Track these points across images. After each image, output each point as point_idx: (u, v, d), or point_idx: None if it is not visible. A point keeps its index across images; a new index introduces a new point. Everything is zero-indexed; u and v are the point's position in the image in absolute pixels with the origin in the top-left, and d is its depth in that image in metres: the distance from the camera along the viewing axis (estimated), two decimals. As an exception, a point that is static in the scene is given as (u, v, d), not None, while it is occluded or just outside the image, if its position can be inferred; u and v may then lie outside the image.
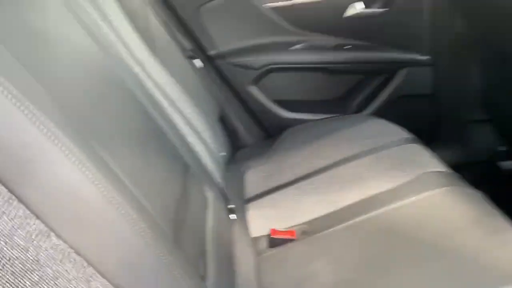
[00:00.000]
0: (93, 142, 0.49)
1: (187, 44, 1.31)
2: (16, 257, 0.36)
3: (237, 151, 1.43)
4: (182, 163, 0.79)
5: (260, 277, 0.84)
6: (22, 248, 0.37)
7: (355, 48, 1.47)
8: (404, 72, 1.46)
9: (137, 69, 0.94)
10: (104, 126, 0.58)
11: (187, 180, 0.77)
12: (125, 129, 0.64)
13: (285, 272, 0.84)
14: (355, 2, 1.38)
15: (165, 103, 0.98)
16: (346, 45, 1.46)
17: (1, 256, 0.35)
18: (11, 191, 0.38)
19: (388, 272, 0.74)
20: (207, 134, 1.15)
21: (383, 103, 1.49)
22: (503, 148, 1.46)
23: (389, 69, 1.49)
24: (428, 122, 1.52)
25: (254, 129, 1.54)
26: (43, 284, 0.38)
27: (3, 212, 0.37)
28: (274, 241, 0.93)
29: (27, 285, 0.37)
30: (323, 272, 0.80)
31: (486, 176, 1.52)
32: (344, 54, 1.48)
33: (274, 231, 0.94)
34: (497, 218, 0.81)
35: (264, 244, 0.94)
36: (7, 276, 0.35)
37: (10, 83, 0.39)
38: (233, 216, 0.99)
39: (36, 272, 0.38)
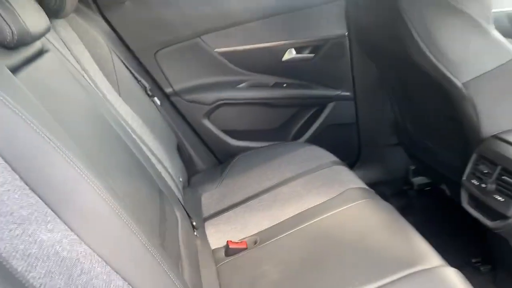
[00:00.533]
0: (100, 171, 0.67)
1: (147, 84, 1.48)
2: (62, 259, 0.52)
3: (192, 176, 1.60)
4: (157, 188, 0.97)
5: (220, 280, 1.03)
6: (62, 254, 0.53)
7: (290, 85, 1.70)
8: (331, 106, 1.72)
9: (111, 108, 1.11)
10: (103, 158, 0.76)
11: (161, 201, 0.95)
12: (116, 161, 0.82)
13: (240, 274, 1.03)
14: (288, 49, 1.64)
15: (133, 136, 1.15)
16: (283, 83, 1.70)
17: (48, 259, 0.50)
18: (56, 213, 0.55)
19: (321, 267, 0.95)
20: (168, 163, 1.31)
21: (315, 132, 1.73)
22: (413, 167, 1.76)
23: (319, 103, 1.74)
24: (352, 147, 1.78)
25: (207, 156, 1.71)
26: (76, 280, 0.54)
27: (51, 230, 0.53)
28: (230, 251, 1.11)
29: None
30: (271, 272, 0.99)
31: (402, 190, 1.81)
32: (281, 90, 1.71)
33: (230, 242, 1.13)
34: (402, 223, 1.05)
35: (222, 253, 1.12)
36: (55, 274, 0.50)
37: (47, 130, 0.57)
38: (196, 232, 1.17)
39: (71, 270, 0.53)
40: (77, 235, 0.56)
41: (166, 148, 1.35)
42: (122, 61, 1.38)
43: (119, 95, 1.25)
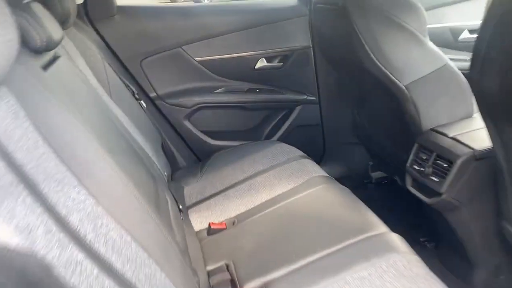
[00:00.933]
0: (111, 151, 0.83)
1: (134, 89, 1.63)
2: (88, 213, 0.68)
3: (175, 172, 1.75)
4: (151, 173, 1.14)
5: (204, 253, 1.19)
6: (88, 210, 0.69)
7: (262, 91, 1.89)
8: (298, 109, 1.92)
9: (107, 108, 1.27)
10: (111, 142, 0.92)
11: (155, 184, 1.11)
12: (119, 146, 0.99)
13: (221, 248, 1.19)
14: (260, 58, 1.83)
15: (125, 133, 1.30)
16: (256, 89, 1.89)
17: (79, 211, 0.66)
18: (80, 181, 0.71)
19: (289, 238, 1.12)
20: (155, 158, 1.47)
21: (284, 132, 1.92)
22: (371, 163, 1.98)
23: (287, 106, 1.93)
24: (318, 145, 1.98)
25: (188, 154, 1.87)
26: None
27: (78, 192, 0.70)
28: (211, 231, 1.28)
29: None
30: (247, 245, 1.16)
31: (362, 183, 2.02)
32: (254, 95, 1.89)
33: (211, 223, 1.29)
34: (355, 201, 1.24)
35: (204, 234, 1.28)
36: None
37: (73, 115, 0.73)
38: (181, 215, 1.33)
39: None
40: (95, 199, 0.73)
41: (152, 146, 1.51)
42: (112, 68, 1.53)
43: (111, 98, 1.40)
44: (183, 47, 1.75)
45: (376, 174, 1.96)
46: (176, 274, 0.84)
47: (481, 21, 0.90)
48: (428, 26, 1.34)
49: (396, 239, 1.05)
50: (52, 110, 0.73)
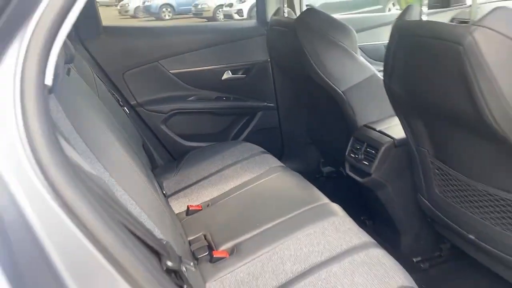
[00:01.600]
0: (117, 137, 1.11)
1: (118, 97, 1.89)
2: (104, 181, 0.96)
3: (154, 169, 2.00)
4: (142, 163, 1.41)
5: (185, 229, 1.46)
6: (105, 179, 0.96)
7: (228, 99, 2.19)
8: (260, 114, 2.23)
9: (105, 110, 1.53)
10: (117, 135, 1.19)
11: (146, 169, 1.38)
12: (123, 139, 1.26)
13: (198, 224, 1.46)
14: (226, 70, 2.14)
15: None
16: (223, 97, 2.19)
17: (99, 180, 0.94)
18: (97, 159, 0.98)
19: (253, 212, 1.42)
20: (139, 155, 1.73)
21: (248, 134, 2.22)
22: (323, 160, 2.31)
23: (250, 112, 2.24)
24: (277, 145, 2.29)
25: (165, 154, 2.13)
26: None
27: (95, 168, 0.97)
28: (189, 212, 1.55)
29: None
30: (220, 220, 1.43)
31: (315, 178, 2.33)
32: (222, 102, 2.19)
33: (189, 206, 1.56)
34: (305, 182, 1.55)
35: (183, 215, 1.55)
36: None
37: (92, 107, 1.01)
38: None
39: None
40: (109, 172, 1.00)
41: (135, 145, 1.77)
42: (100, 79, 1.80)
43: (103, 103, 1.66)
44: (160, 61, 2.04)
45: (326, 169, 2.29)
46: (168, 234, 1.11)
47: (388, 40, 1.25)
48: (368, 43, 1.69)
49: (335, 207, 1.36)
50: (77, 105, 1.00)
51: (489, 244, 1.24)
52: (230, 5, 12.02)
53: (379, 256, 1.11)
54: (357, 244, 1.16)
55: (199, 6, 13.10)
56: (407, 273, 1.07)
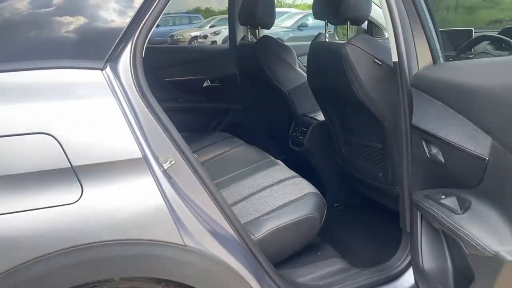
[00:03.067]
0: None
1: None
2: None
3: None
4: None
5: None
6: None
7: (207, 101, 2.96)
8: (231, 113, 3.00)
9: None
10: None
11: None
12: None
13: None
14: (206, 80, 2.91)
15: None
16: (203, 99, 2.95)
17: None
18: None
19: (223, 171, 2.15)
20: None
21: (222, 128, 2.96)
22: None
23: (224, 112, 2.99)
24: (243, 138, 3.04)
25: None
26: None
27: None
28: None
29: None
30: None
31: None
32: (203, 104, 2.95)
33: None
34: (260, 151, 2.29)
35: None
36: None
37: None
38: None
39: None
40: None
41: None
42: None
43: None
44: (157, 71, 2.78)
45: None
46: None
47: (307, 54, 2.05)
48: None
49: (277, 161, 2.11)
50: None
51: (370, 180, 2.01)
52: (205, 36, 12.96)
53: (301, 181, 1.85)
54: (288, 177, 1.90)
55: (175, 37, 14.00)
56: (317, 190, 1.81)
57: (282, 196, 1.75)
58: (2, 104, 1.02)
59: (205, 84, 2.93)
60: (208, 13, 15.87)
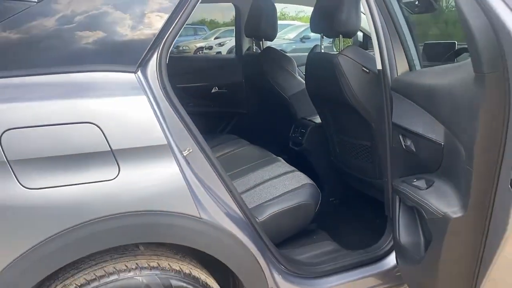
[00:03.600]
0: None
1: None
2: None
3: None
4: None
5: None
6: None
7: (216, 105, 3.23)
8: (236, 117, 3.26)
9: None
10: None
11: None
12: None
13: None
14: (214, 86, 3.18)
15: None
16: (211, 104, 3.22)
17: None
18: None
19: (233, 166, 2.40)
20: None
21: (230, 130, 3.23)
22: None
23: (230, 116, 3.27)
24: (248, 135, 3.30)
25: None
26: None
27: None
28: None
29: None
30: None
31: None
32: (212, 108, 3.21)
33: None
34: (262, 150, 2.55)
35: None
36: None
37: None
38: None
39: None
40: None
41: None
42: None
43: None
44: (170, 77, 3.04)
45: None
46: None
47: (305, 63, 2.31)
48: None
49: (278, 158, 2.36)
50: None
51: (362, 176, 2.26)
52: (210, 47, 13.30)
53: (299, 174, 2.10)
54: (287, 171, 2.15)
55: (181, 48, 14.36)
56: (313, 182, 2.06)
57: (282, 187, 2.00)
58: (58, 98, 1.28)
59: (213, 90, 3.19)
60: (212, 24, 16.22)
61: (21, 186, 1.23)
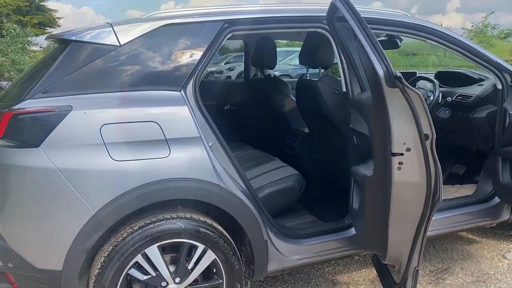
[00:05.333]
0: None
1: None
2: None
3: None
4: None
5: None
6: None
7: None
8: (244, 128, 4.04)
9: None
10: None
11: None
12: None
13: None
14: (226, 105, 3.98)
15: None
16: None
17: None
18: None
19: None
20: None
21: (240, 137, 4.01)
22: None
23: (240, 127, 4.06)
24: (252, 144, 4.08)
25: None
26: None
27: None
28: None
29: None
30: None
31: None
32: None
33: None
34: (264, 153, 3.32)
35: None
36: None
37: None
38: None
39: None
40: None
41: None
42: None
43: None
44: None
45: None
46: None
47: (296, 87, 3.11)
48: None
49: (275, 158, 3.13)
50: None
51: (340, 172, 3.01)
52: (221, 72, 14.26)
53: (289, 168, 2.87)
54: (281, 166, 2.93)
55: (194, 72, 15.28)
56: (299, 173, 2.82)
57: (276, 175, 2.78)
58: (135, 106, 2.08)
59: (225, 108, 4.00)
60: (223, 50, 17.25)
61: (112, 159, 2.02)
